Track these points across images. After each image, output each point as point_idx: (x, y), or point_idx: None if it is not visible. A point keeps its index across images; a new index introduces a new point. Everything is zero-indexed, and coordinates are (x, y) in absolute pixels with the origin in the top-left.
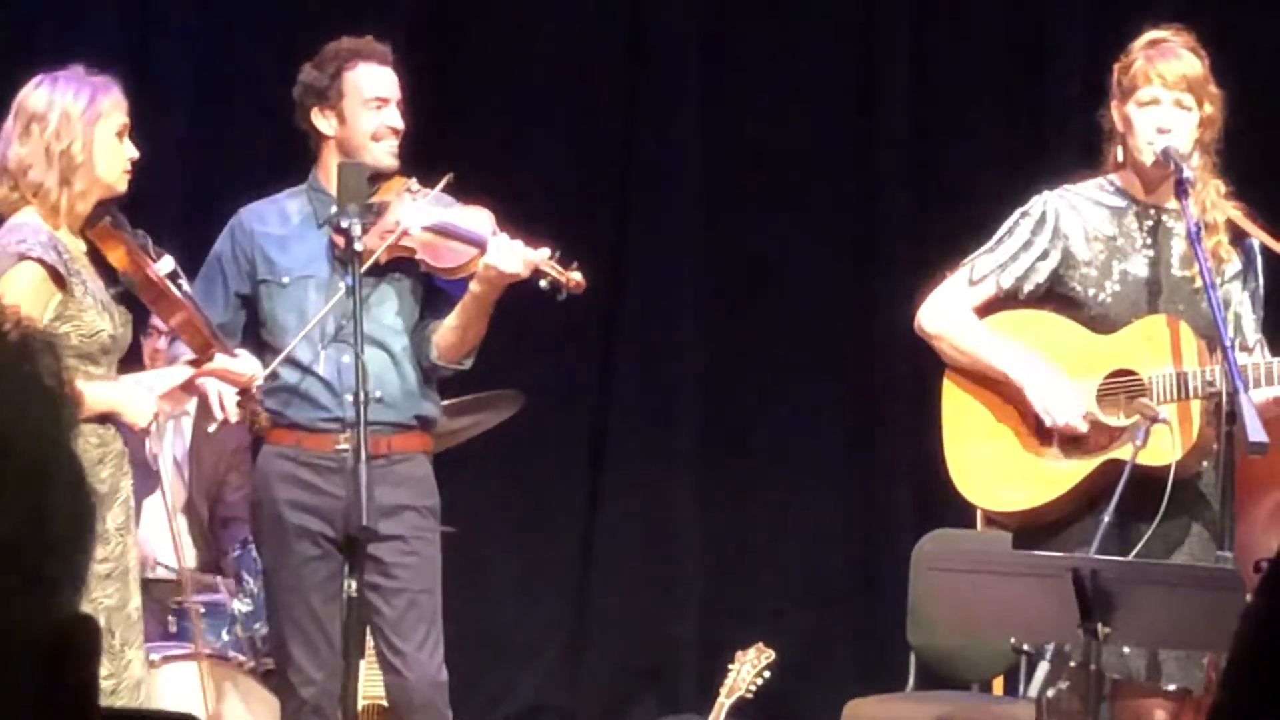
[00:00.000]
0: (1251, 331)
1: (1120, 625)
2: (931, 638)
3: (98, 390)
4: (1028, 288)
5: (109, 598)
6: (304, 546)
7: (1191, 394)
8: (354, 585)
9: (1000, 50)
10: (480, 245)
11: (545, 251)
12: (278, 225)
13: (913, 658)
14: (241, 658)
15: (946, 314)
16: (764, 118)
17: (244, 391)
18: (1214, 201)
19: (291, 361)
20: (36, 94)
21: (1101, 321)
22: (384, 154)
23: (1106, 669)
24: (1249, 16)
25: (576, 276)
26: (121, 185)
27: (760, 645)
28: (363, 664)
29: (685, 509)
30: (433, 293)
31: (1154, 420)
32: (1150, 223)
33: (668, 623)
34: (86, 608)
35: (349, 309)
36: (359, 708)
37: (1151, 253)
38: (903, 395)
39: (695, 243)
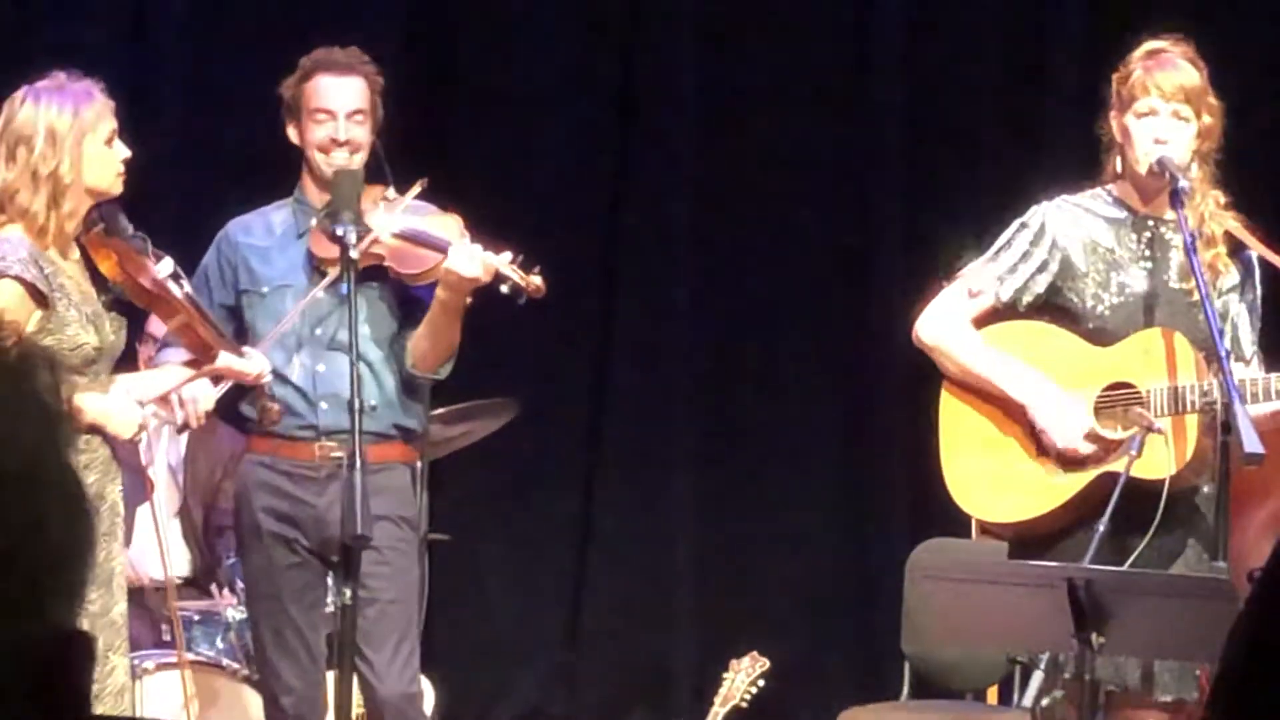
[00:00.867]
0: (1248, 344)
1: (1114, 635)
2: (926, 647)
3: (84, 401)
4: (1026, 299)
5: (91, 604)
6: (281, 554)
7: (1188, 408)
8: (348, 594)
9: (996, 59)
10: (443, 250)
11: (506, 255)
12: (262, 236)
13: (907, 667)
14: (235, 665)
15: (945, 326)
16: (759, 126)
17: (256, 389)
18: (1213, 213)
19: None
20: (22, 114)
21: (1099, 333)
22: (325, 166)
23: (1101, 679)
24: (1249, 25)
25: (537, 281)
26: (116, 188)
27: (755, 654)
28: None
29: (680, 517)
30: (411, 302)
31: (1149, 430)
32: (1149, 235)
33: (663, 631)
34: None
35: (320, 315)
36: (352, 716)
37: (1150, 265)
38: (897, 405)
39: (690, 252)
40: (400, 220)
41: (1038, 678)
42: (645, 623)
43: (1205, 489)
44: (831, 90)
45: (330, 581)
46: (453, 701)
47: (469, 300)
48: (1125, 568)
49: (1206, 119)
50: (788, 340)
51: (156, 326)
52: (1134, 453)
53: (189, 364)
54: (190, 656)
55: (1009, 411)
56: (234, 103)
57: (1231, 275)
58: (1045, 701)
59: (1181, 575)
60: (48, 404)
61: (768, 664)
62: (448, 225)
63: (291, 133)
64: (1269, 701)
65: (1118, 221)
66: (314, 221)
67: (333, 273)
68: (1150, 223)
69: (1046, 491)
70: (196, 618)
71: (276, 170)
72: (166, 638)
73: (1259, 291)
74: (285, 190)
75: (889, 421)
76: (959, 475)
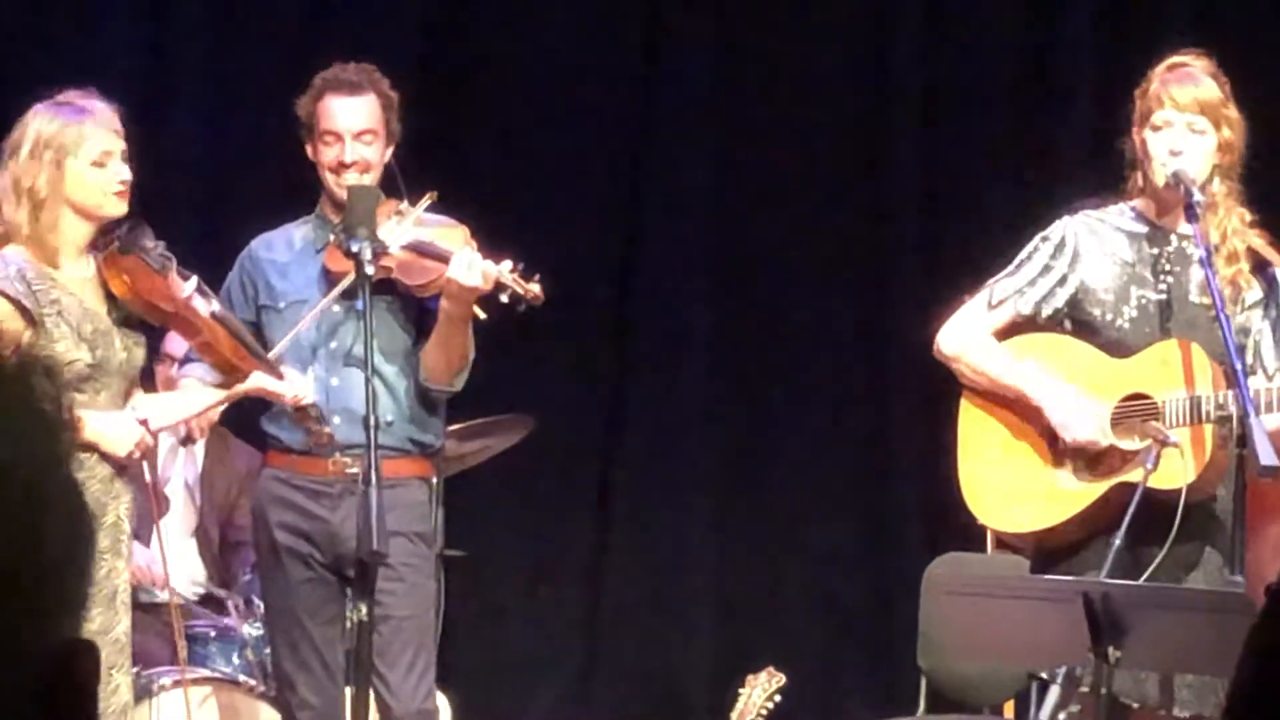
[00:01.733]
0: (1271, 360)
1: (1131, 649)
2: (942, 661)
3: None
4: (1047, 312)
5: (91, 621)
6: (297, 570)
7: (1204, 418)
8: (365, 609)
9: (1013, 73)
10: (446, 261)
11: (506, 264)
12: (282, 252)
13: (923, 681)
14: (252, 682)
15: (965, 337)
16: (776, 142)
17: (298, 410)
18: (1235, 229)
19: None
20: (20, 124)
21: (1118, 346)
22: (336, 187)
23: (1120, 694)
24: (1262, 40)
25: (535, 289)
26: (110, 208)
27: (771, 669)
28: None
29: (696, 532)
30: (426, 315)
31: (1164, 444)
32: (1170, 249)
33: (679, 646)
34: None
35: (335, 329)
36: None
37: (1170, 279)
38: (914, 419)
39: (706, 268)
40: (409, 232)
41: (1054, 692)
42: (661, 638)
43: (1220, 499)
44: (848, 106)
45: (348, 597)
46: (467, 717)
47: (481, 315)
48: (1142, 580)
49: (1226, 132)
50: (804, 356)
51: (175, 345)
52: (1150, 466)
53: (220, 385)
54: (206, 673)
55: (1027, 421)
56: (249, 118)
57: (1254, 291)
58: (1062, 717)
59: (1198, 589)
60: (48, 414)
61: (784, 679)
62: (452, 235)
63: (309, 150)
64: None
65: (1138, 236)
66: (331, 237)
67: (343, 283)
68: (1170, 237)
69: (1061, 501)
70: (213, 634)
71: (292, 185)
72: (184, 654)
73: None
74: (301, 203)
75: (905, 437)
76: (974, 485)
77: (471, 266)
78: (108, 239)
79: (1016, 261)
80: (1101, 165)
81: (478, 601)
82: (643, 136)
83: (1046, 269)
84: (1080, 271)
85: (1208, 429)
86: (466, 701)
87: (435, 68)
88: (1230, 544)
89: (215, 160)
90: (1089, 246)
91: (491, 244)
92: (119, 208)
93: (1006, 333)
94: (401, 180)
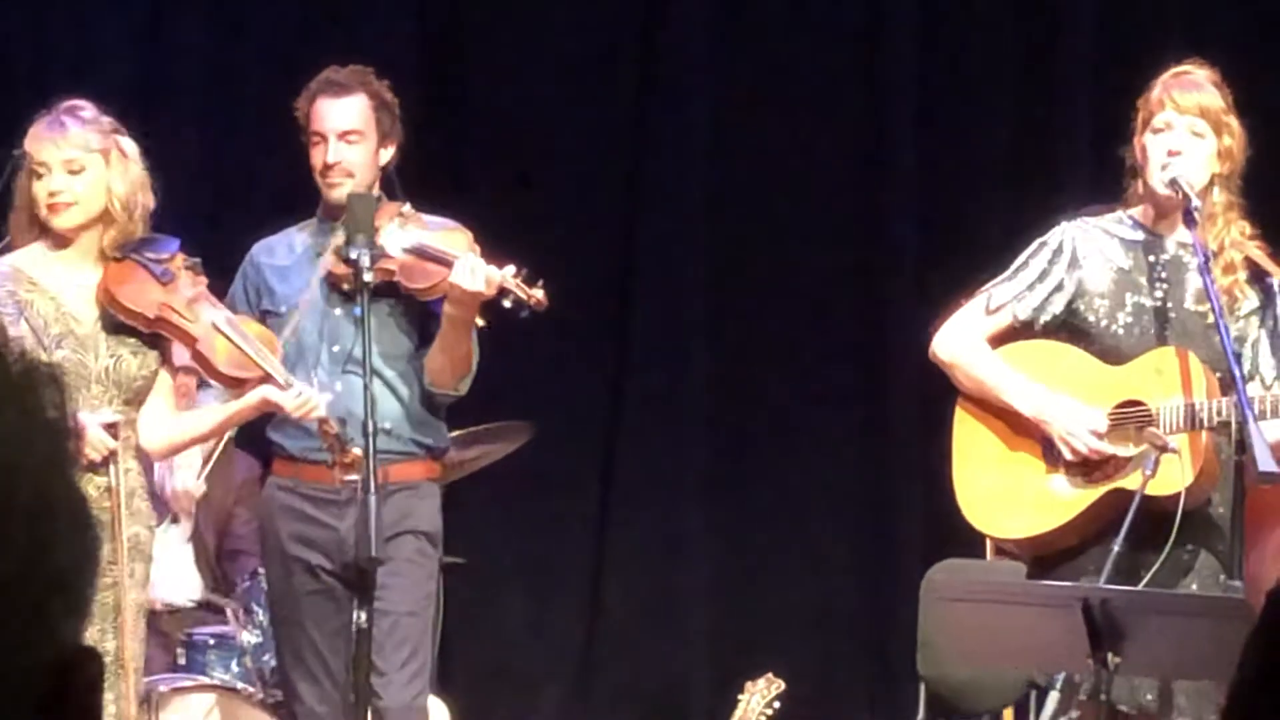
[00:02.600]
0: (1269, 369)
1: (1130, 655)
2: (941, 668)
3: None
4: (1044, 318)
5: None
6: (304, 579)
7: (1200, 425)
8: (363, 616)
9: (1009, 78)
10: (449, 265)
11: (510, 269)
12: (284, 256)
13: (922, 688)
14: (250, 689)
15: (961, 342)
16: (772, 149)
17: (321, 423)
18: (1234, 240)
19: None
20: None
21: (1113, 353)
22: (325, 189)
23: (1116, 702)
24: (1263, 52)
25: (539, 294)
26: (48, 218)
27: (770, 675)
28: None
29: (694, 538)
30: (430, 319)
31: (1163, 450)
32: (1166, 257)
33: (677, 652)
34: None
35: (337, 334)
36: None
37: (1166, 286)
38: (912, 425)
39: (703, 275)
40: (411, 236)
41: (1053, 699)
42: (660, 645)
43: (1218, 505)
44: (846, 112)
45: (355, 604)
46: None
47: (483, 322)
48: (1141, 586)
49: (1227, 140)
50: (802, 362)
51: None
52: (1149, 472)
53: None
54: (206, 680)
55: (1022, 428)
56: (247, 131)
57: (1250, 300)
58: None
59: (1197, 594)
60: (53, 421)
61: (783, 685)
62: (455, 239)
63: (310, 151)
64: None
65: (1135, 243)
66: (331, 242)
67: (314, 286)
68: (1167, 244)
69: (1055, 507)
70: (211, 642)
71: (289, 192)
72: (181, 661)
73: (1279, 318)
74: (299, 210)
75: (904, 443)
76: (969, 491)
77: (475, 271)
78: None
79: (1014, 266)
80: (1098, 170)
81: (476, 608)
82: (640, 142)
83: (1044, 274)
84: (1077, 277)
85: (1202, 436)
86: (465, 708)
87: (433, 72)
88: (1226, 549)
89: (212, 167)
90: (1086, 253)
91: (489, 249)
92: (55, 220)
93: (1003, 338)
94: (397, 182)
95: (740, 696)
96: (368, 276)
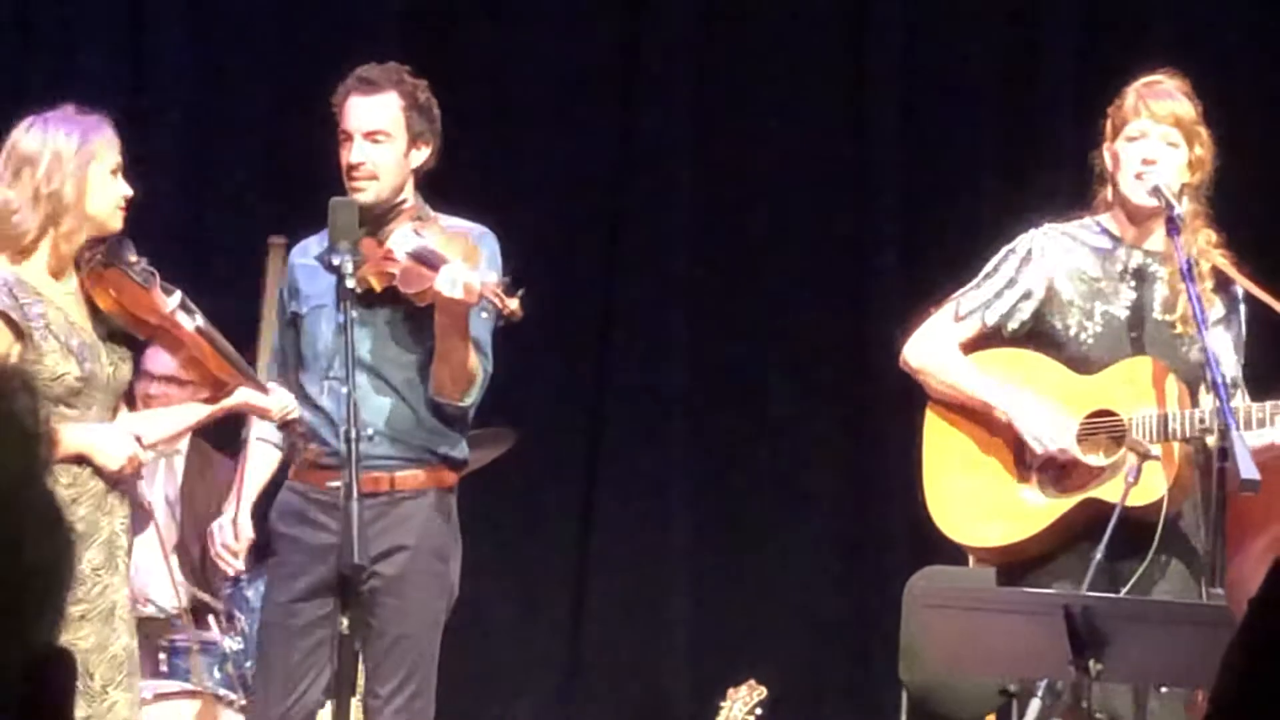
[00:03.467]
0: (1231, 369)
1: (1112, 662)
2: (923, 675)
3: (69, 433)
4: (1012, 325)
5: (84, 639)
6: (295, 586)
7: (1172, 435)
8: (345, 623)
9: (993, 88)
10: (438, 269)
11: (492, 276)
12: (312, 256)
13: (904, 695)
14: (233, 695)
15: (931, 349)
16: (756, 157)
17: (285, 425)
18: (1201, 249)
19: (304, 396)
20: (28, 137)
21: (1081, 362)
22: (350, 191)
23: (1095, 709)
24: (1241, 63)
25: (514, 305)
26: (115, 223)
27: (752, 682)
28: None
29: (678, 544)
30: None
31: (1146, 457)
32: (1135, 265)
33: (660, 659)
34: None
35: (353, 340)
36: None
37: (1134, 295)
38: (895, 433)
39: (687, 280)
40: (415, 240)
41: (1035, 705)
42: (643, 651)
43: (1186, 514)
44: (827, 120)
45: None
46: None
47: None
48: (1122, 594)
49: (1198, 150)
50: (785, 369)
51: (155, 363)
52: (1131, 480)
53: (207, 400)
54: (190, 686)
55: (993, 434)
56: (232, 130)
57: (1216, 308)
58: None
59: (1180, 602)
60: (25, 426)
61: (765, 692)
62: (453, 244)
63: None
64: None
65: (1104, 251)
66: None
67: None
68: (1136, 254)
69: (1027, 516)
70: (195, 648)
71: (277, 200)
72: (164, 668)
73: (1244, 326)
74: (295, 213)
75: (886, 449)
76: (940, 498)
77: (455, 280)
78: (90, 254)
79: (982, 274)
80: (1083, 184)
81: (459, 614)
82: (624, 149)
83: (1012, 282)
84: (1046, 285)
85: (1175, 446)
86: (448, 714)
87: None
88: (1195, 557)
89: (195, 169)
90: (1055, 260)
91: None
92: (118, 223)
93: (973, 345)
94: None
95: (722, 703)
96: (350, 283)
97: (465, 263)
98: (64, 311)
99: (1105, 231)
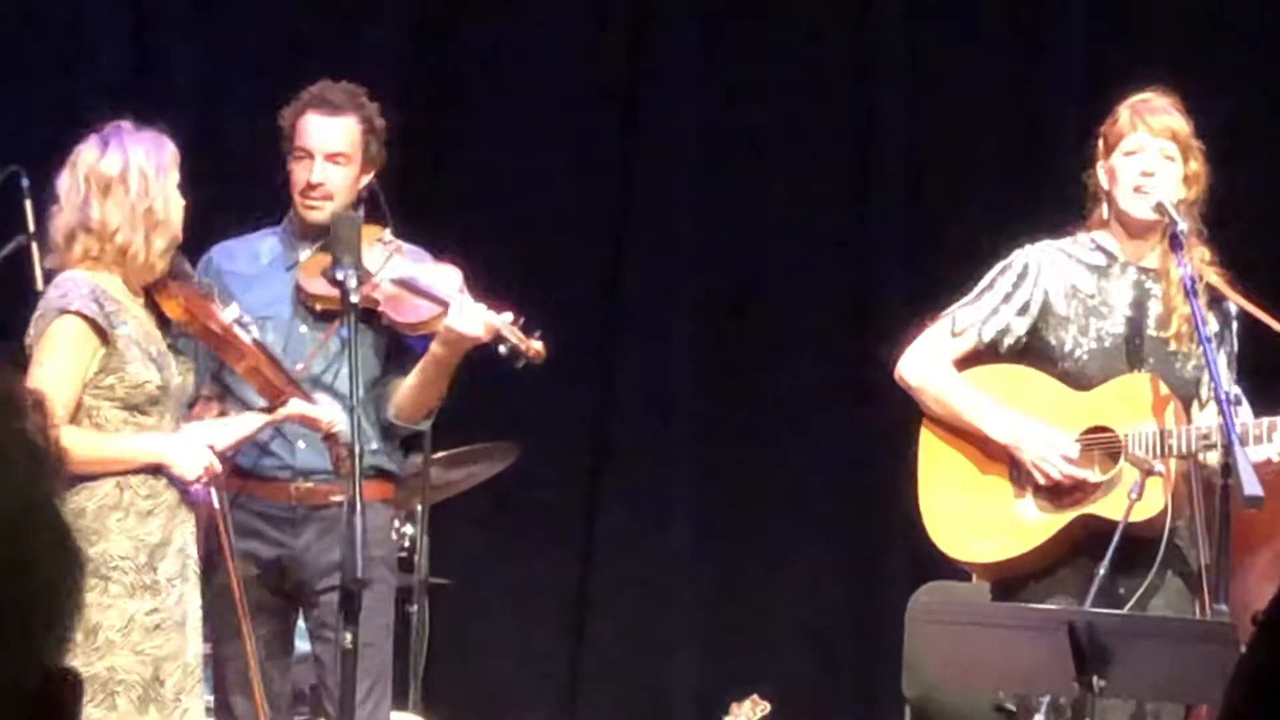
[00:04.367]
0: (1227, 391)
1: (1115, 678)
2: (926, 690)
3: (146, 441)
4: (1008, 341)
5: (158, 648)
6: (252, 595)
7: (1170, 451)
8: (349, 637)
9: (997, 105)
10: (443, 305)
11: (508, 316)
12: (246, 264)
13: (908, 710)
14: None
15: (927, 366)
16: (760, 170)
17: (329, 436)
18: (1195, 266)
19: (246, 407)
20: (109, 156)
21: (1077, 378)
22: (303, 209)
23: None
24: (1243, 79)
25: (537, 345)
26: (180, 235)
27: (755, 697)
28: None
29: (680, 559)
30: (398, 348)
31: (1150, 473)
32: (1130, 281)
33: (664, 673)
34: (131, 658)
35: (303, 353)
36: None
37: (1130, 312)
38: (899, 448)
39: (691, 295)
40: (400, 266)
41: None
42: (647, 666)
43: (1182, 530)
44: (834, 136)
45: (302, 625)
46: None
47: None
48: (1125, 611)
49: (1193, 165)
50: (788, 383)
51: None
52: (1135, 496)
53: (264, 410)
54: None
55: (988, 452)
56: (235, 140)
57: (1210, 324)
58: None
59: (1183, 618)
60: (35, 444)
61: (769, 707)
62: (448, 277)
63: (289, 161)
64: None
65: (1099, 268)
66: (303, 256)
67: (333, 322)
68: (1132, 270)
69: (1023, 532)
70: None
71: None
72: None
73: (1236, 343)
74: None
75: (890, 464)
76: (936, 514)
77: (475, 318)
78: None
79: (977, 290)
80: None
81: (462, 629)
82: (625, 162)
83: (1008, 298)
84: (1041, 301)
85: (1171, 462)
86: None
87: (416, 98)
88: (1194, 573)
89: (202, 178)
90: (1050, 276)
91: (472, 272)
92: (181, 236)
93: (967, 361)
94: (386, 209)
95: (726, 717)
96: (354, 299)
97: (462, 294)
98: (140, 320)
99: (1100, 248)
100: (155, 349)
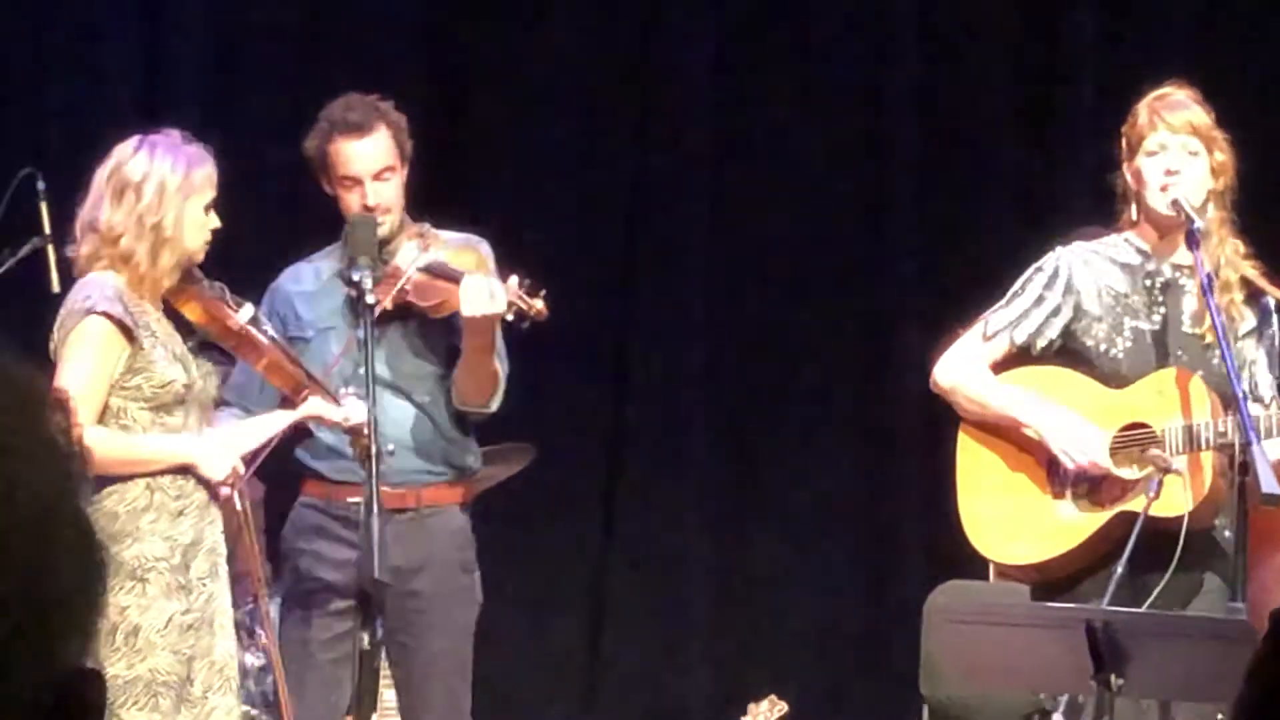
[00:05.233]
0: (1266, 387)
1: (1133, 677)
2: (944, 690)
3: (174, 442)
4: (1041, 343)
5: (190, 647)
6: (315, 601)
7: (1202, 445)
8: (366, 639)
9: (1012, 109)
10: (456, 280)
11: (513, 280)
12: (310, 282)
13: (925, 710)
14: (254, 711)
15: (961, 369)
16: (774, 175)
17: (350, 431)
18: (1229, 259)
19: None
20: (135, 161)
21: (1113, 377)
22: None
23: None
24: (1261, 76)
25: (539, 305)
26: (200, 254)
27: (773, 697)
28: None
29: (697, 560)
30: (455, 335)
31: (1166, 471)
32: (1162, 280)
33: (681, 674)
34: (170, 659)
35: (362, 355)
36: None
37: (1163, 310)
38: (916, 448)
39: (705, 295)
40: (427, 254)
41: None
42: (663, 666)
43: (1223, 528)
44: (847, 140)
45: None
46: None
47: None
48: (1144, 608)
49: (1219, 155)
50: (806, 384)
51: None
52: (1151, 494)
53: (284, 405)
54: None
55: (1026, 452)
56: (252, 158)
57: (1248, 320)
58: None
59: (1200, 616)
60: (58, 444)
61: (786, 708)
62: (465, 257)
63: (326, 188)
64: None
65: (1131, 267)
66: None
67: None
68: (1163, 268)
69: (1062, 532)
70: None
71: (288, 229)
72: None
73: (1278, 337)
74: (301, 228)
75: (907, 464)
76: (975, 517)
77: (484, 293)
78: None
79: (1010, 293)
80: (1102, 202)
81: (478, 630)
82: (640, 163)
83: (1040, 300)
84: (1073, 302)
85: (1205, 457)
86: None
87: (432, 93)
88: (1231, 571)
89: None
90: (1082, 277)
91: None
92: (201, 256)
93: (1002, 365)
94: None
95: (743, 718)
96: (370, 299)
97: (478, 271)
98: (163, 323)
99: (1132, 247)
100: (178, 349)
